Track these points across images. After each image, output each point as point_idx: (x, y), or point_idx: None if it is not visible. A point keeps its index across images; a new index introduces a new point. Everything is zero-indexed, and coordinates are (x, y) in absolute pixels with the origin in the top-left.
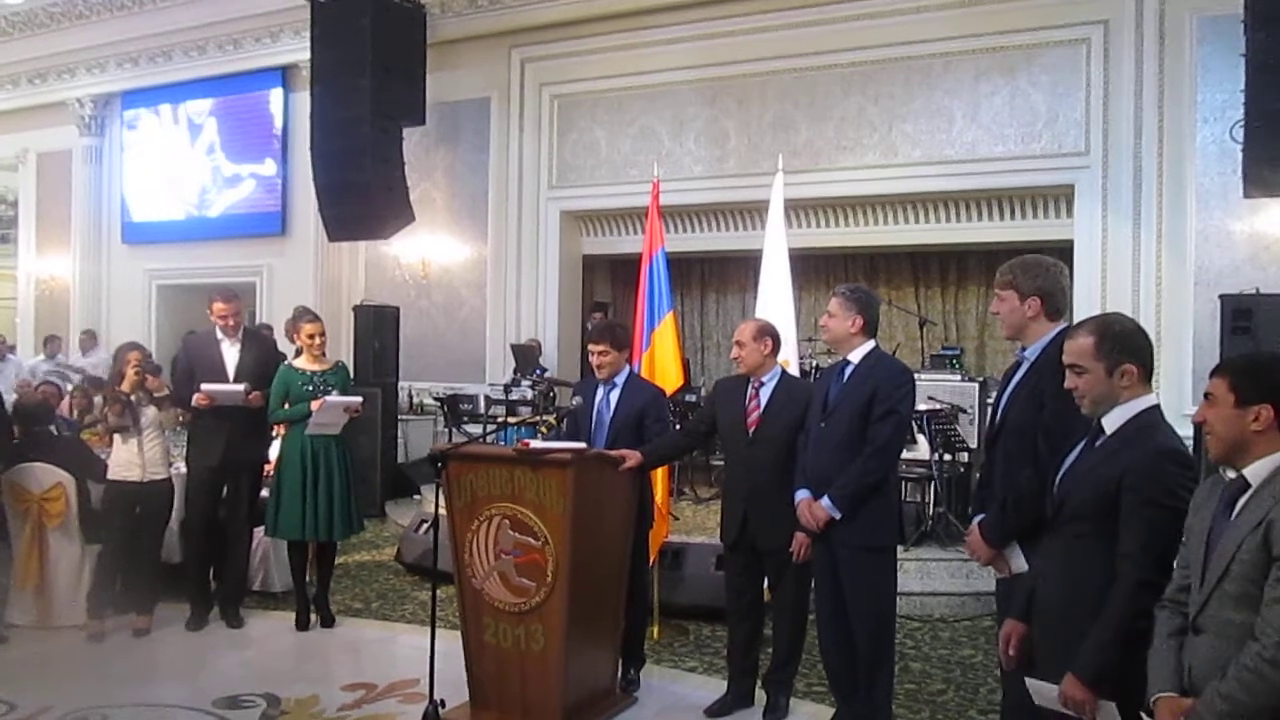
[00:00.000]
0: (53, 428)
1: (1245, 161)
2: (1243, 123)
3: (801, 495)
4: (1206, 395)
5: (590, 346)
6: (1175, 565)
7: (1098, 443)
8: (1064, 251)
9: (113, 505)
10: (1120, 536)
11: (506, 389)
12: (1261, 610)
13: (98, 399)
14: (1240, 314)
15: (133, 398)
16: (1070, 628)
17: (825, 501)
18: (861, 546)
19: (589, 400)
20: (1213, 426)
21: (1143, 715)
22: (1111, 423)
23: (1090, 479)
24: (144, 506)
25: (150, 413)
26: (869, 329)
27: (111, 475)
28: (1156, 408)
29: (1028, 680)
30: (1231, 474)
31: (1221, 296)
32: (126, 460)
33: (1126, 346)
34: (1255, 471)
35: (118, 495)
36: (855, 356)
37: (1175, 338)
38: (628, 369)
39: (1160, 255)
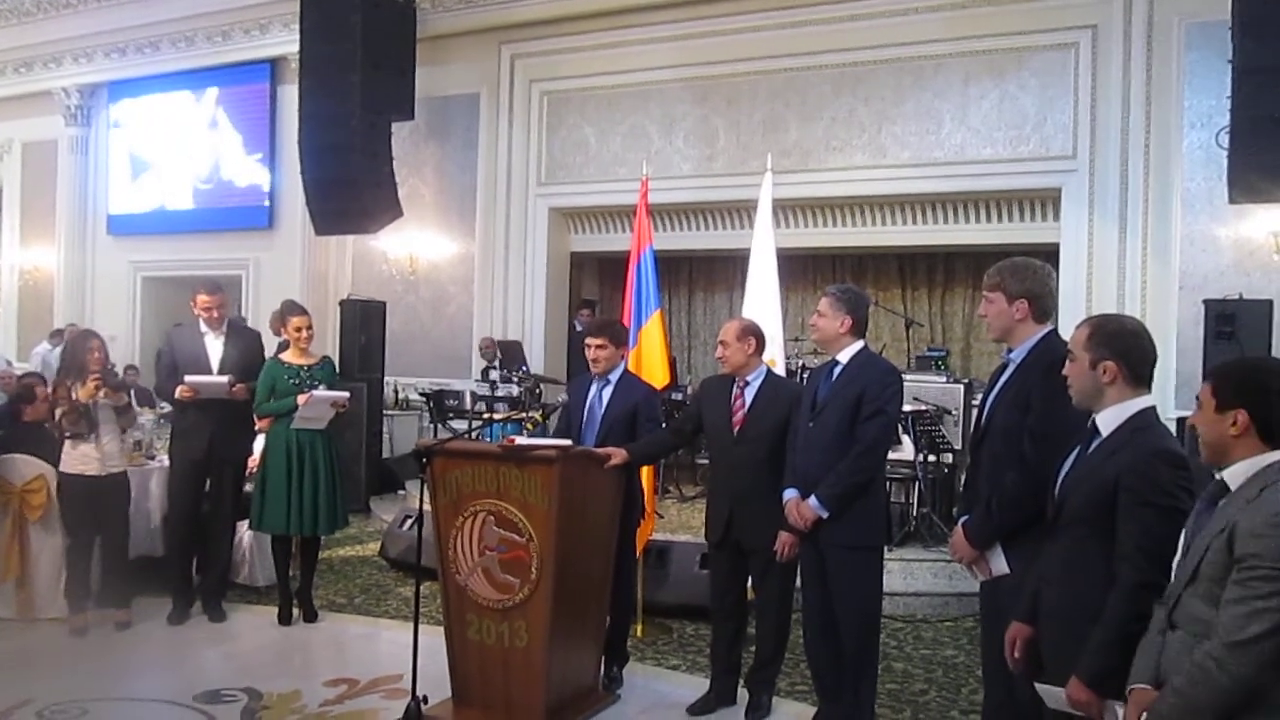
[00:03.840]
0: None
1: (1231, 167)
2: (1229, 129)
3: (789, 495)
4: (1197, 400)
5: (588, 340)
6: (1175, 565)
7: (1093, 445)
8: (1050, 255)
9: (74, 499)
10: (1118, 538)
11: (492, 386)
12: (1219, 610)
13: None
14: (1224, 319)
15: (89, 404)
16: (1075, 630)
17: (812, 501)
18: (849, 546)
19: (581, 396)
20: (1200, 431)
21: (1111, 704)
22: (1106, 424)
23: (1087, 482)
24: (105, 500)
25: (106, 413)
26: (858, 329)
27: (69, 469)
28: (1151, 410)
29: (1037, 685)
30: (1220, 475)
31: (1205, 301)
32: (84, 454)
33: (1112, 344)
34: (1232, 475)
35: (78, 489)
36: (844, 356)
37: (1159, 342)
38: (622, 366)
39: (1145, 259)
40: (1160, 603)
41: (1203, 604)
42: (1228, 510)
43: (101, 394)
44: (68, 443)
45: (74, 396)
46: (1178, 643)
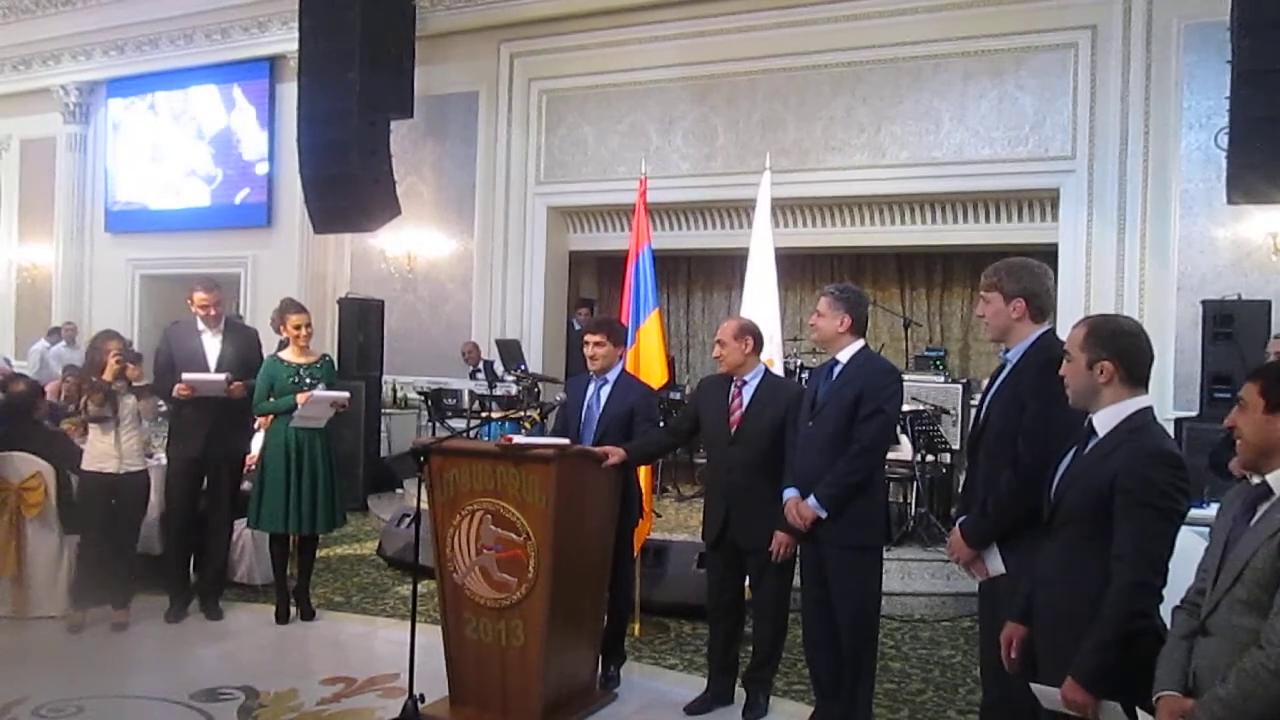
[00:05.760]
0: (48, 421)
1: (1229, 168)
2: (1227, 129)
3: (789, 494)
4: (1239, 400)
5: (586, 336)
6: (1197, 568)
7: (1090, 445)
8: (1049, 255)
9: (89, 496)
10: (1114, 538)
11: (490, 384)
12: (1269, 618)
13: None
14: (1222, 319)
15: (113, 386)
16: (1070, 631)
17: (811, 501)
18: (848, 545)
19: (580, 396)
20: (1242, 432)
21: (1139, 711)
22: (1103, 424)
23: (1083, 481)
24: (120, 498)
25: (129, 402)
26: (857, 328)
27: (87, 466)
28: (1148, 410)
29: (1033, 686)
30: (1257, 479)
31: (1203, 302)
32: (103, 451)
33: (1109, 344)
34: (1279, 478)
35: (94, 486)
36: (844, 356)
37: (1157, 342)
38: (620, 366)
39: (1144, 260)
40: (1179, 607)
41: (1245, 610)
42: (1275, 515)
43: (125, 372)
44: (91, 434)
45: (96, 379)
46: (1213, 650)
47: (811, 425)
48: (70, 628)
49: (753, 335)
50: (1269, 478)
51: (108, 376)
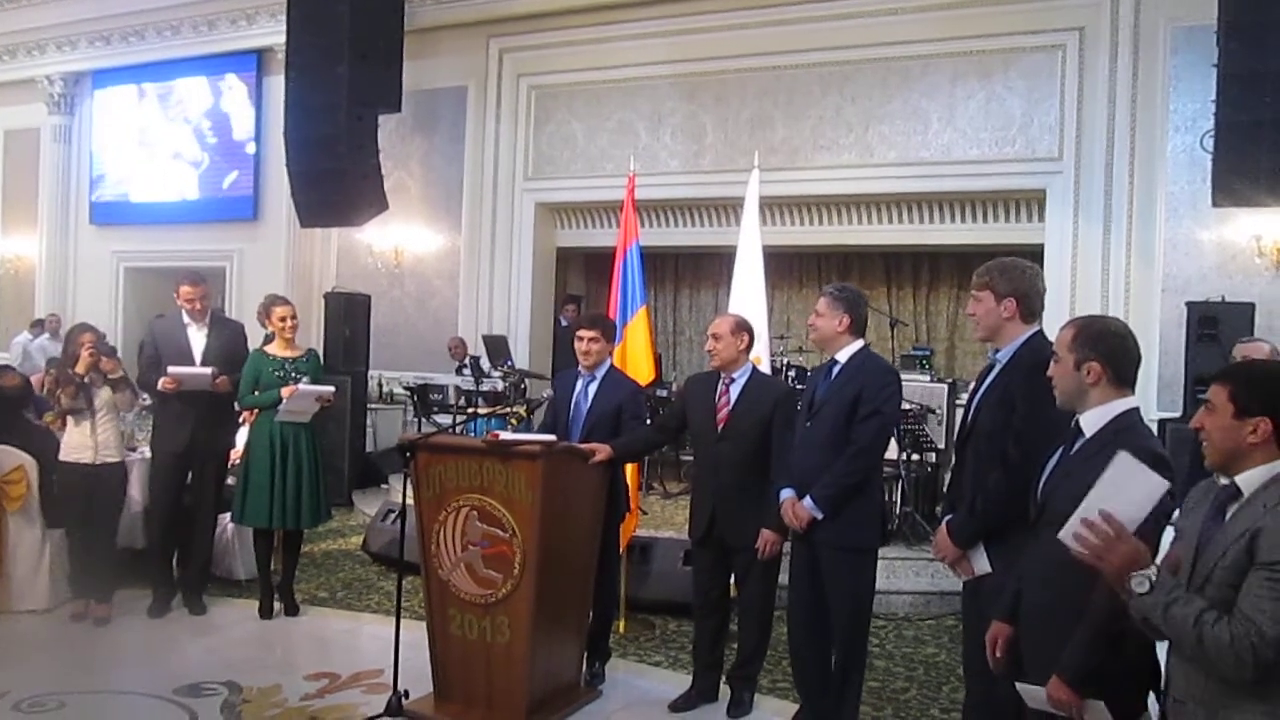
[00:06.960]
0: (30, 415)
1: (1214, 171)
2: (1213, 132)
3: (785, 494)
4: (1205, 403)
5: (580, 332)
6: (1160, 563)
7: (1076, 445)
8: (1035, 255)
9: (65, 488)
10: None
11: (477, 380)
12: (1246, 594)
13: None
14: (1206, 321)
15: (86, 379)
16: (1056, 630)
17: (807, 502)
18: (843, 547)
19: (568, 391)
20: (1209, 435)
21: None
22: (1090, 425)
23: (1070, 482)
24: (96, 490)
25: (104, 394)
26: (856, 328)
27: (64, 457)
28: (1135, 411)
29: (1018, 685)
30: (1225, 480)
31: (1188, 304)
32: (79, 443)
33: (1096, 345)
34: (1248, 480)
35: (71, 477)
36: (843, 356)
37: (1141, 343)
38: (608, 363)
39: (1129, 261)
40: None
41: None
42: (1245, 516)
43: (97, 361)
44: (68, 426)
45: (69, 371)
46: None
47: (810, 425)
48: (74, 617)
49: (749, 333)
50: (1238, 479)
51: (80, 369)
